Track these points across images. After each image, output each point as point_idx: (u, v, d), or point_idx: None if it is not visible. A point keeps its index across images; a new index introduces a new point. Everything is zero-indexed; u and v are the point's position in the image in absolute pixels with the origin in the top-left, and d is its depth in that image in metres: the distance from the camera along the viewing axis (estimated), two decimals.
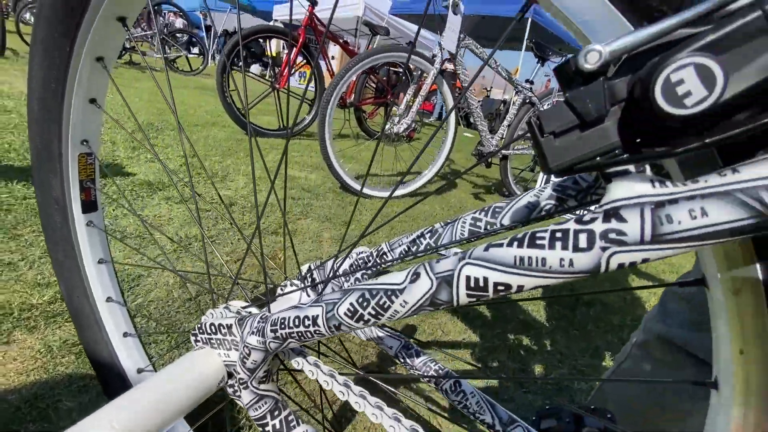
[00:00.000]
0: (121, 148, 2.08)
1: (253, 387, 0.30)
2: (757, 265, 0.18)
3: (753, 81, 0.12)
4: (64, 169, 0.51)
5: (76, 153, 0.50)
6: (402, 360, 0.42)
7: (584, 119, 0.16)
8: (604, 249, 0.16)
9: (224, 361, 0.32)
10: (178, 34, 7.29)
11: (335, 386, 0.29)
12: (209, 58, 7.72)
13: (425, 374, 0.40)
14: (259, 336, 0.27)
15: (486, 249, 0.19)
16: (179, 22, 9.44)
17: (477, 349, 1.15)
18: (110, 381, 0.59)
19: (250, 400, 0.30)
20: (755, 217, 0.13)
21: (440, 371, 0.39)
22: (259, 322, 0.28)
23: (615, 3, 0.18)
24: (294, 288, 0.40)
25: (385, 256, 0.39)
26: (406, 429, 0.27)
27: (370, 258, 0.41)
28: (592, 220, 0.16)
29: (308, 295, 0.41)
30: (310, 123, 3.27)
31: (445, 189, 2.90)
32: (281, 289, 0.42)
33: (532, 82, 2.44)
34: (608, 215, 0.16)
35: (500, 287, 0.18)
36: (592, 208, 0.18)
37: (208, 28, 11.81)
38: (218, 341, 0.32)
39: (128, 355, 0.59)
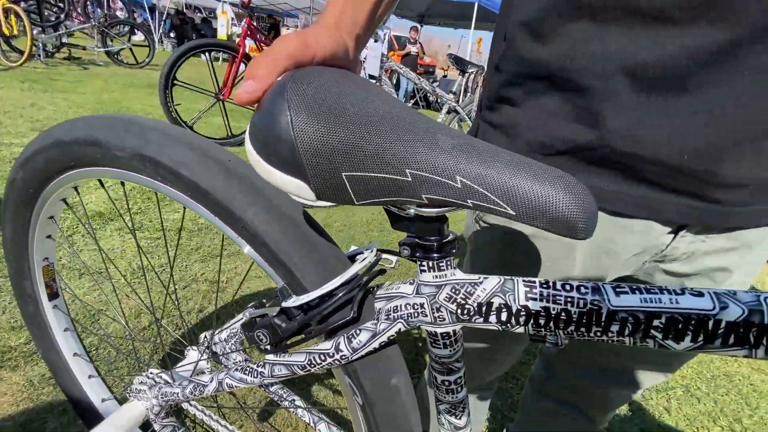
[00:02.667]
0: None
1: (159, 421, 0.57)
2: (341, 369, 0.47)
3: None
4: (32, 276, 0.75)
5: (40, 267, 0.74)
6: (264, 388, 0.70)
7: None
8: (257, 378, 0.44)
9: (146, 407, 0.59)
10: (118, 26, 6.98)
11: (198, 414, 0.57)
12: (155, 46, 7.39)
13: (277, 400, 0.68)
14: (156, 399, 0.54)
15: (235, 370, 0.47)
16: (119, 9, 8.93)
17: None
18: (84, 412, 0.85)
19: (158, 429, 0.58)
20: (291, 372, 0.42)
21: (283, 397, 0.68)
22: (157, 389, 0.55)
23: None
24: (191, 361, 0.67)
25: None
26: None
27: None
28: (259, 365, 0.44)
29: (203, 357, 0.68)
30: None
31: None
32: (186, 353, 0.69)
33: (454, 93, 2.72)
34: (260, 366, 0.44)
35: (235, 387, 0.46)
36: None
37: (152, 9, 11.17)
38: (141, 397, 0.59)
39: (93, 391, 0.85)
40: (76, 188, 0.61)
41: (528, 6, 0.43)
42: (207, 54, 3.06)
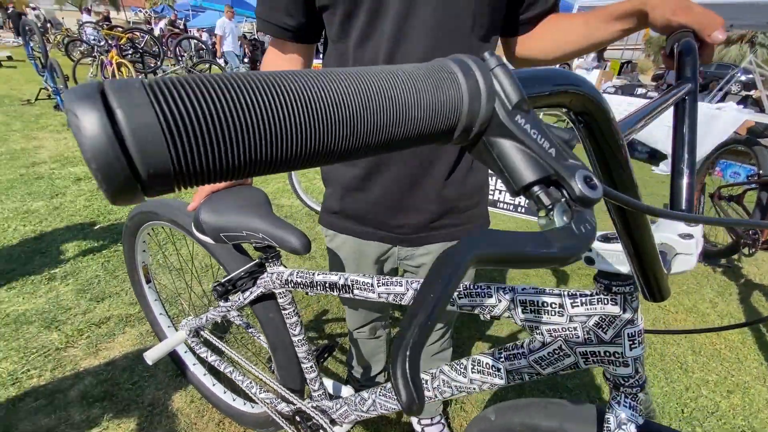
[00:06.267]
0: None
1: (191, 339, 1.20)
2: None
3: None
4: (138, 270, 1.44)
5: (141, 266, 1.43)
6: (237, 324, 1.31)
7: None
8: (221, 311, 1.03)
9: (185, 332, 1.23)
10: (203, 63, 8.29)
11: (209, 337, 1.18)
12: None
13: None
14: (188, 327, 1.17)
15: (214, 310, 1.06)
16: (201, 45, 10.37)
17: None
18: (158, 334, 1.54)
19: (190, 342, 1.21)
20: (227, 309, 1.00)
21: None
22: (190, 322, 1.17)
23: None
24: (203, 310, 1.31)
25: None
26: None
27: None
28: (217, 308, 1.03)
29: None
30: None
31: None
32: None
33: None
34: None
35: (215, 318, 1.06)
36: None
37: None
38: (183, 327, 1.22)
39: (170, 334, 1.53)
40: (153, 228, 1.27)
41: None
42: None
